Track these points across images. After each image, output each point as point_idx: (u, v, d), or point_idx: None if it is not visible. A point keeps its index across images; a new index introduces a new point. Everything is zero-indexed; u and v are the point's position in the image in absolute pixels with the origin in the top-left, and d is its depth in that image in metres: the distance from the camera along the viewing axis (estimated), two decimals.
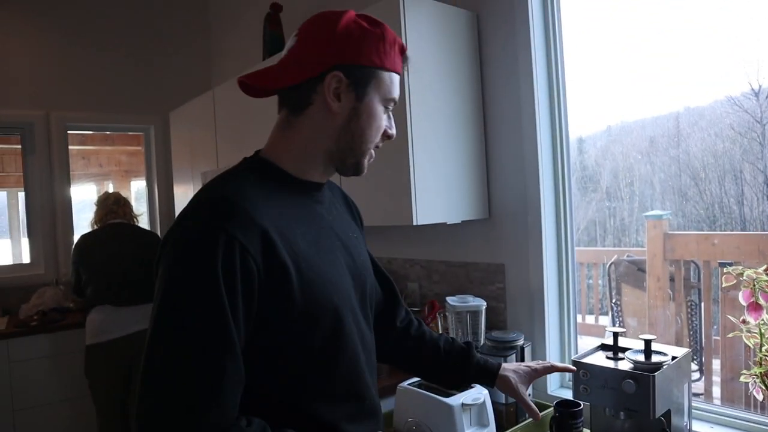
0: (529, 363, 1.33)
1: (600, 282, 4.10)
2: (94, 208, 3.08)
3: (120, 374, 2.81)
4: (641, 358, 1.35)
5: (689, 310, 3.29)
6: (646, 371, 1.29)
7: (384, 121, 1.00)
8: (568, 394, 1.93)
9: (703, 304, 3.11)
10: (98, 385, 2.85)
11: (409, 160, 1.85)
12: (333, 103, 0.93)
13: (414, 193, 1.85)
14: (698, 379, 3.12)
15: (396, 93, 0.99)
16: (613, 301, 3.62)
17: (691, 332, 3.26)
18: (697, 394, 2.74)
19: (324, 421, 0.93)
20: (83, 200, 3.83)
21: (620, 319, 3.62)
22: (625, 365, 1.36)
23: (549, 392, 1.95)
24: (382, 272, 1.27)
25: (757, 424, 1.52)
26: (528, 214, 1.98)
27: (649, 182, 3.41)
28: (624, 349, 1.42)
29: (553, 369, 1.32)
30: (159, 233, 4.04)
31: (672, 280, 3.14)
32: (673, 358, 1.36)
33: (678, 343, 3.15)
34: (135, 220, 3.12)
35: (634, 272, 3.53)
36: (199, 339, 0.79)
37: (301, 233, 0.93)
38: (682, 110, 3.02)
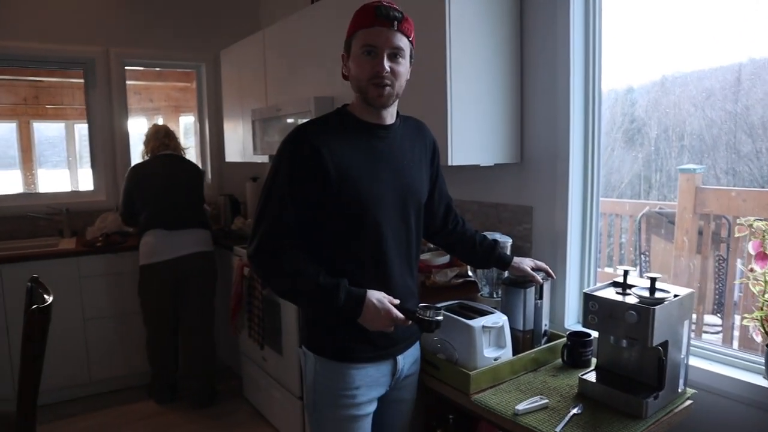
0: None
1: (626, 238, 4.13)
2: (144, 139, 3.32)
3: (168, 293, 3.13)
4: (646, 294, 1.49)
5: (716, 264, 3.35)
6: (648, 304, 1.44)
7: (365, 62, 1.38)
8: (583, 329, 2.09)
9: (730, 259, 3.17)
10: (148, 302, 3.18)
11: (446, 102, 1.97)
12: (344, 69, 1.47)
13: (450, 134, 1.98)
14: (719, 332, 3.23)
15: (371, 39, 1.37)
16: (642, 251, 3.71)
17: (717, 286, 3.34)
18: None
19: (352, 276, 1.42)
20: (136, 134, 4.07)
21: (647, 269, 3.72)
22: (631, 299, 1.51)
23: (565, 326, 2.12)
24: (442, 192, 1.75)
25: (751, 362, 1.66)
26: (557, 162, 2.09)
27: (701, 137, 3.30)
28: (633, 286, 1.57)
29: (544, 269, 1.84)
30: (210, 166, 4.29)
31: (700, 233, 3.21)
32: (676, 296, 1.50)
33: (701, 296, 3.22)
34: (183, 152, 3.37)
35: (665, 224, 3.59)
36: (270, 195, 1.40)
37: (349, 152, 1.41)
38: (746, 61, 2.79)
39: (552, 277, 1.86)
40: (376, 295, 1.39)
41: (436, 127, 2.01)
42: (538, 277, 1.79)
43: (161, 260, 3.08)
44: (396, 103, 1.48)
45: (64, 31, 3.68)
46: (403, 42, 1.39)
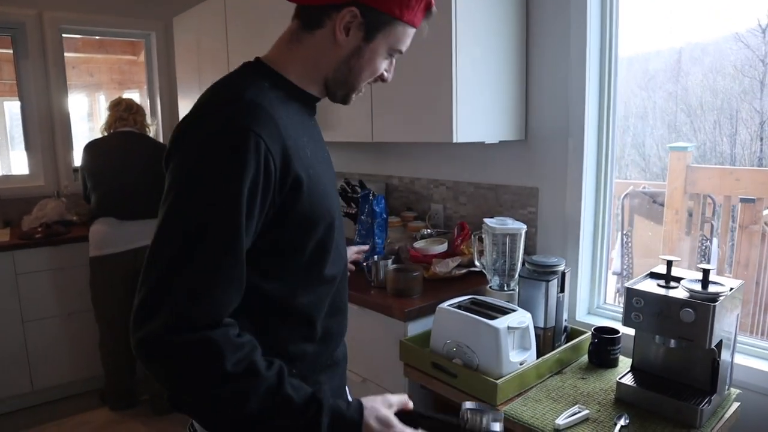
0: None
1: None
2: (106, 113, 2.92)
3: (123, 288, 2.75)
4: (698, 287, 1.30)
5: (699, 244, 3.28)
6: (706, 301, 1.26)
7: (382, 67, 1.00)
8: (596, 321, 1.92)
9: (718, 239, 3.09)
10: (101, 298, 2.81)
11: (452, 75, 1.73)
12: (340, 34, 0.93)
13: (456, 110, 1.75)
14: None
15: (404, 46, 0.99)
16: (624, 232, 3.61)
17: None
18: None
19: (305, 312, 0.97)
20: (76, 112, 3.64)
21: (629, 250, 3.62)
22: (680, 293, 1.32)
23: (577, 319, 1.94)
24: None
25: None
26: (569, 138, 1.89)
27: (644, 116, 3.35)
28: (678, 278, 1.38)
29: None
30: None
31: (690, 214, 3.11)
32: (731, 289, 1.32)
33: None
34: (147, 129, 2.98)
35: (649, 204, 3.49)
36: (208, 231, 0.80)
37: (306, 143, 0.95)
38: (684, 45, 2.96)
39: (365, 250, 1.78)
40: (377, 413, 0.88)
41: (440, 101, 1.77)
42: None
43: (115, 252, 2.71)
44: None
45: None
46: None
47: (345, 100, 1.03)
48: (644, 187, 3.53)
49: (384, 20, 0.93)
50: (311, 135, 1.00)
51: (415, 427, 0.91)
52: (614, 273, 3.38)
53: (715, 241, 3.21)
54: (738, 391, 1.45)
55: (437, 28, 1.75)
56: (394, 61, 1.02)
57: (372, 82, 1.03)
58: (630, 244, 3.65)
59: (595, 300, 2.00)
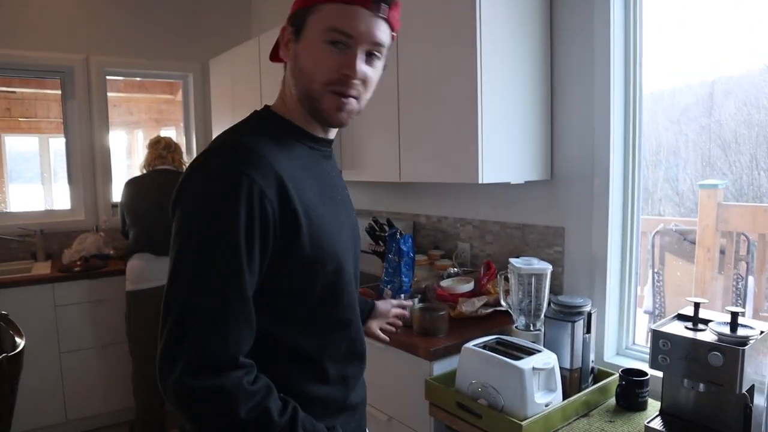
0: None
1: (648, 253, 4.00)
2: (145, 151, 3.05)
3: (156, 322, 2.81)
4: (726, 330, 1.29)
5: (734, 283, 3.21)
6: (734, 344, 1.24)
7: (327, 56, 0.91)
8: (624, 362, 1.89)
9: (754, 277, 3.02)
10: (136, 331, 2.88)
11: (477, 116, 1.78)
12: (284, 52, 0.97)
13: (481, 151, 1.79)
14: None
15: (345, 23, 0.89)
16: (655, 270, 3.55)
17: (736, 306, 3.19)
18: None
19: (315, 354, 0.98)
20: (116, 148, 3.81)
21: (661, 289, 3.56)
22: (707, 336, 1.31)
23: (605, 359, 1.92)
24: None
25: None
26: (595, 177, 1.90)
27: (676, 151, 3.31)
28: (706, 321, 1.37)
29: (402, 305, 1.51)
30: None
31: (722, 252, 3.05)
32: (761, 332, 1.31)
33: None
34: (183, 167, 3.09)
35: (680, 242, 3.44)
36: (211, 275, 0.83)
37: (310, 185, 0.95)
38: (716, 78, 2.89)
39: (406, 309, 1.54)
40: None
41: (466, 142, 1.82)
42: (405, 311, 1.50)
43: (152, 287, 2.79)
44: None
45: (41, 38, 3.40)
46: (386, 36, 0.94)
47: (327, 118, 0.96)
48: (675, 225, 3.48)
49: (305, 12, 0.92)
50: (318, 176, 1.00)
51: None
52: (645, 312, 3.32)
53: (751, 279, 3.14)
54: None
55: (461, 69, 1.81)
56: (359, 53, 0.91)
57: (336, 88, 0.92)
58: (661, 283, 3.59)
59: (624, 340, 1.97)
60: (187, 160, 3.17)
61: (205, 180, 0.87)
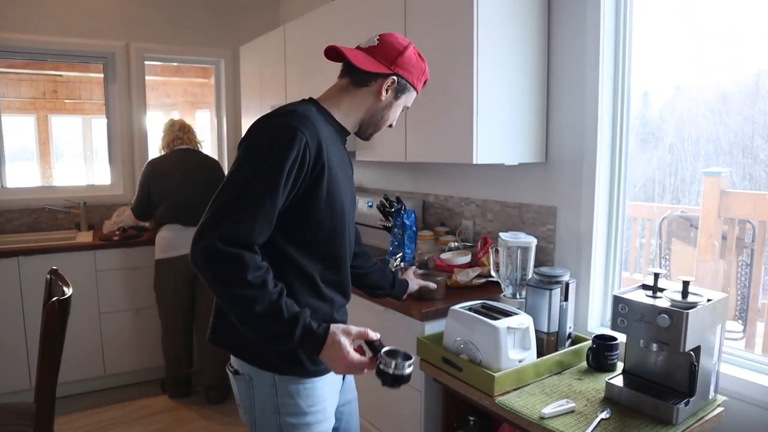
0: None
1: (653, 241, 4.07)
2: (161, 134, 3.32)
3: (184, 288, 3.12)
4: (678, 297, 1.45)
5: (740, 270, 3.28)
6: (681, 308, 1.40)
7: (397, 117, 1.46)
8: (607, 332, 2.05)
9: (754, 265, 3.10)
10: (163, 297, 3.18)
11: (473, 101, 1.94)
12: (383, 93, 1.38)
13: (476, 133, 1.95)
14: (741, 338, 3.16)
15: (411, 102, 1.47)
16: (663, 255, 3.65)
17: (741, 292, 3.27)
18: None
19: (314, 275, 1.34)
20: (153, 129, 4.09)
21: (668, 273, 3.65)
22: (662, 302, 1.46)
23: (588, 329, 2.08)
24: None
25: None
26: (583, 163, 2.05)
27: (717, 141, 3.30)
28: (663, 289, 1.53)
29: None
30: (226, 162, 4.28)
31: (724, 238, 3.14)
32: (708, 300, 1.46)
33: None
34: (198, 145, 3.36)
35: (686, 228, 3.53)
36: (260, 187, 1.18)
37: (335, 152, 1.34)
38: (765, 68, 2.86)
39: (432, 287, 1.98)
40: (340, 337, 1.20)
41: (461, 124, 1.99)
42: (430, 284, 1.96)
43: (177, 255, 3.07)
44: None
45: (85, 26, 3.69)
46: None
47: (369, 138, 1.47)
48: (682, 212, 3.57)
49: (407, 86, 1.41)
50: (340, 152, 1.39)
51: (363, 353, 1.25)
52: None
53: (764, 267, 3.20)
54: (724, 398, 1.57)
55: (459, 54, 1.97)
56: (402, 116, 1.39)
57: (385, 128, 1.47)
58: (668, 267, 3.68)
59: (608, 313, 2.13)
60: (200, 139, 3.42)
61: (272, 128, 1.24)
